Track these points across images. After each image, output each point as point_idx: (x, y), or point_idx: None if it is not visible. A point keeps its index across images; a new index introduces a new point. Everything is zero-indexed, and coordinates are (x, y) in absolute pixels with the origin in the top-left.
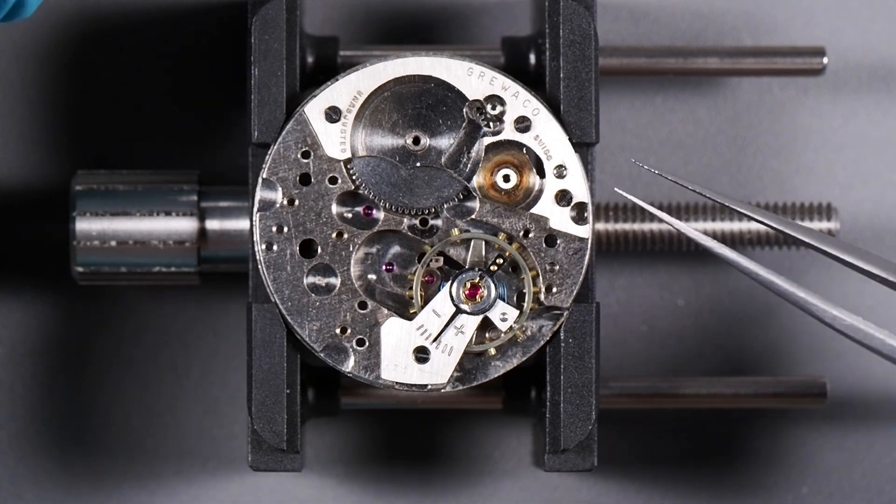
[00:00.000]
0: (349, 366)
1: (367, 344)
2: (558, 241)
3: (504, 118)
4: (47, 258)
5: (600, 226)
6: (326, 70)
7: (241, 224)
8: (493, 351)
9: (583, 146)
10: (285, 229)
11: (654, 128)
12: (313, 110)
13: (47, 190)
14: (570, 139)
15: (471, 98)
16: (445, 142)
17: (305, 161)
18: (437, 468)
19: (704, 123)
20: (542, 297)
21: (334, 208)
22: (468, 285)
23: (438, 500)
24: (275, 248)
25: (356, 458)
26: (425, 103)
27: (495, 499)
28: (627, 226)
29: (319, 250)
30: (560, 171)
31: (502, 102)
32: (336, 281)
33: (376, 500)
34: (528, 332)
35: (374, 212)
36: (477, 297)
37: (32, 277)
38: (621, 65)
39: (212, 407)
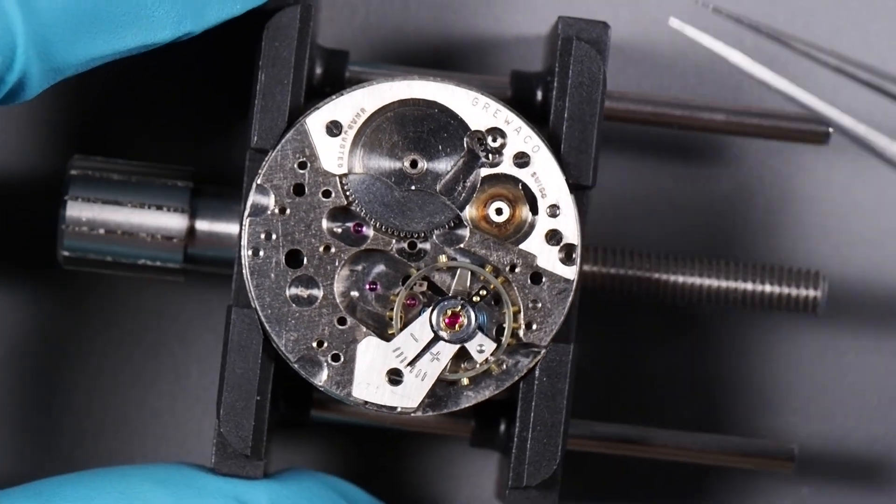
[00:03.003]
0: (321, 379)
1: (342, 360)
2: (544, 280)
3: (504, 151)
4: (43, 245)
5: (588, 268)
6: (333, 83)
7: (231, 227)
8: (466, 381)
9: (579, 188)
10: (273, 237)
11: (652, 177)
12: (315, 122)
13: (44, 174)
14: (567, 180)
15: (472, 128)
16: (443, 168)
17: (301, 172)
18: (404, 489)
19: (702, 178)
20: (521, 332)
21: (325, 222)
22: (449, 313)
23: None
24: (261, 254)
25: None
26: (427, 128)
27: None
28: (614, 270)
29: (305, 262)
30: (553, 211)
31: (503, 136)
32: (318, 294)
33: None
34: (504, 366)
35: (364, 229)
36: (456, 325)
37: (26, 264)
38: (626, 111)
39: (211, 407)
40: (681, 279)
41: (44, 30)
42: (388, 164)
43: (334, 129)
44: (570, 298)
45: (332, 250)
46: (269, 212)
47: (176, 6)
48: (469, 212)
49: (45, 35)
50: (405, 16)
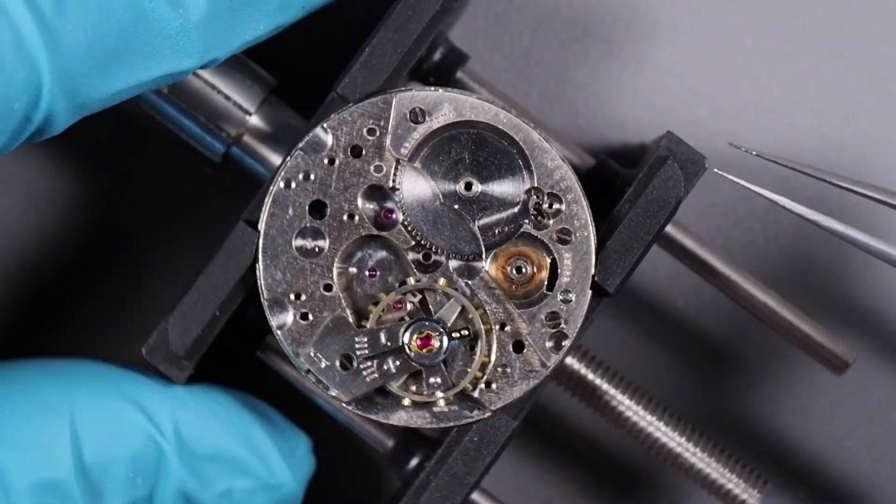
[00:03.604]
0: (281, 327)
1: (308, 321)
2: (524, 352)
3: (552, 221)
4: None
5: (569, 362)
6: (440, 75)
7: (274, 155)
8: (407, 402)
9: (600, 290)
10: (311, 178)
11: (668, 318)
12: (403, 101)
13: None
14: (594, 276)
15: (537, 184)
16: (491, 204)
17: (367, 137)
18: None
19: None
20: (479, 386)
21: (362, 192)
22: (424, 334)
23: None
24: (292, 187)
25: None
26: (498, 161)
27: None
28: (590, 377)
29: (326, 217)
30: (566, 297)
31: (560, 204)
32: (322, 252)
33: None
34: (447, 408)
35: (393, 218)
36: (425, 349)
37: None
38: (677, 241)
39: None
40: (641, 422)
41: (69, 66)
42: (445, 174)
43: (417, 116)
44: (538, 382)
45: (356, 220)
46: (320, 155)
47: (201, 35)
48: (492, 256)
49: (70, 71)
50: (537, 56)
